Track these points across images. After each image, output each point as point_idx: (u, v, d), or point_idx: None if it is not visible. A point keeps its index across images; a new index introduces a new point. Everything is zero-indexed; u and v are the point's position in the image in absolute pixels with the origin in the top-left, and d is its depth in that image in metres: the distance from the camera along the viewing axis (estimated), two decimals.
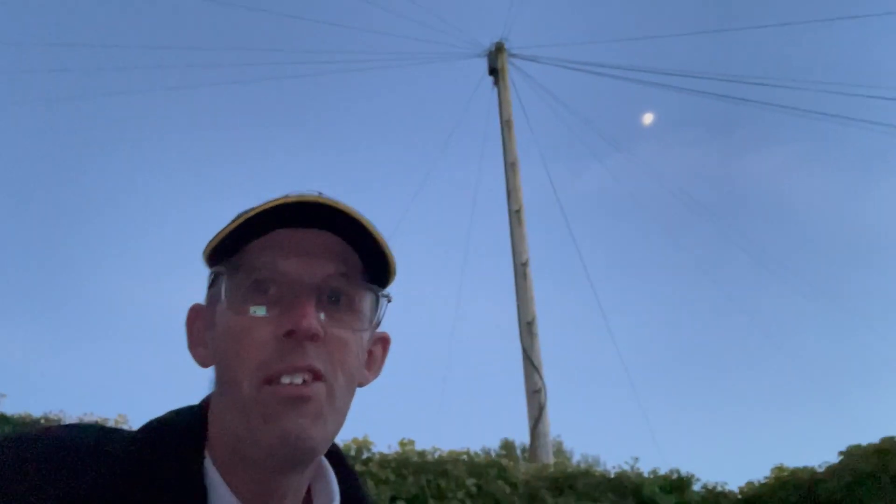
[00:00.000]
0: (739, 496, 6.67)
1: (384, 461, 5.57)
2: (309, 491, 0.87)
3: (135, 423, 5.07)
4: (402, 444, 5.84)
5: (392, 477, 5.46)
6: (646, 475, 6.45)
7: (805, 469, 6.36)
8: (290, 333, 0.76)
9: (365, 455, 5.61)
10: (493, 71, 11.55)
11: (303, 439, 0.76)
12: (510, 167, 10.57)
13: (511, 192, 10.41)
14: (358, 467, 5.31)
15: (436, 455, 5.81)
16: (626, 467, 6.50)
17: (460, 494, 5.54)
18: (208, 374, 0.85)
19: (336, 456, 0.92)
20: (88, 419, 5.18)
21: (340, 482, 0.89)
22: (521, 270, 9.76)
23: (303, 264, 0.80)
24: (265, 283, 0.79)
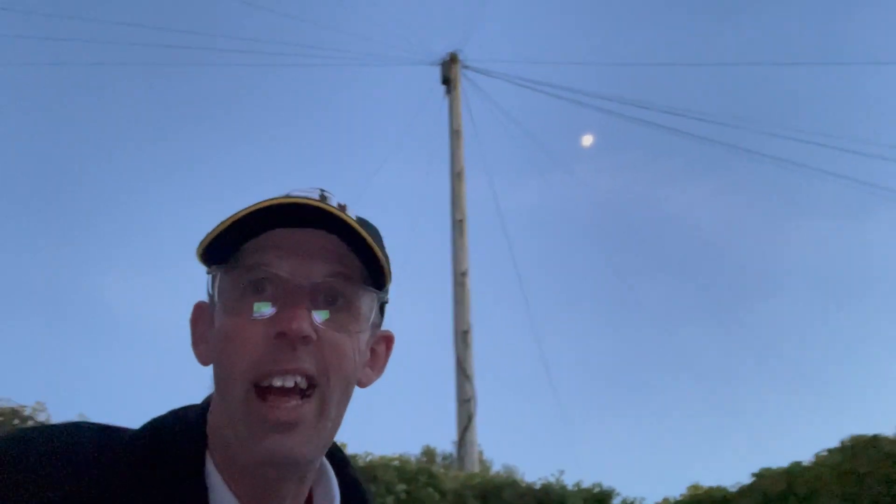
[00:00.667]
0: None
1: None
2: (310, 492, 0.87)
3: (53, 410, 4.83)
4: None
5: None
6: (570, 488, 6.61)
7: (719, 489, 6.65)
8: (281, 335, 0.75)
9: None
10: (447, 80, 11.64)
11: (291, 458, 0.76)
12: (456, 176, 10.65)
13: (455, 202, 10.50)
14: None
15: (367, 459, 5.79)
16: (552, 479, 6.64)
17: (389, 500, 5.52)
18: (200, 371, 0.84)
19: (339, 458, 0.92)
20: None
21: (342, 484, 0.89)
22: (459, 280, 9.84)
23: (299, 265, 0.78)
24: (261, 284, 0.78)
